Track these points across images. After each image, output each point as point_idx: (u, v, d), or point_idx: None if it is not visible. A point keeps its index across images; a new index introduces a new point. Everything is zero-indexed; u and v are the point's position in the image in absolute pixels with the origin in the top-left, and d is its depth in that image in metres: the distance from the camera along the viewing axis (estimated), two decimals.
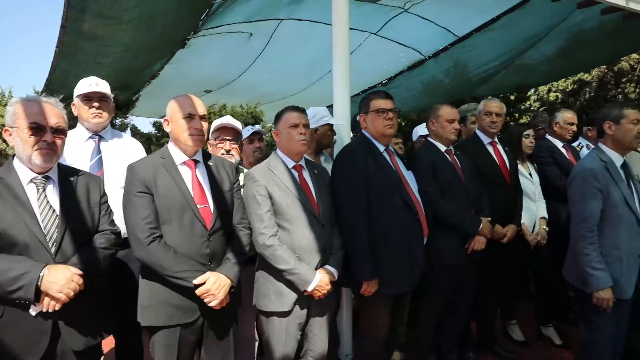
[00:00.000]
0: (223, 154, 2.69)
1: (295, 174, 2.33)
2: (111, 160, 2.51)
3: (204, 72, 6.06)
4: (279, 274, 2.20)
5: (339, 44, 2.86)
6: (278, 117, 2.35)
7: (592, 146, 3.71)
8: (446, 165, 2.81)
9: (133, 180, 1.97)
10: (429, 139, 2.97)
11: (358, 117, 2.61)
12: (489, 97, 3.45)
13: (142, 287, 2.00)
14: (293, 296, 2.22)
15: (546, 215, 3.46)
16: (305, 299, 2.25)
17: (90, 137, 2.55)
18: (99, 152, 2.52)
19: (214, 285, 1.92)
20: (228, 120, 2.80)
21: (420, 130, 4.05)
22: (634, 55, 13.65)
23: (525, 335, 3.63)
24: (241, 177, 2.55)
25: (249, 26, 4.96)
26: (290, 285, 2.21)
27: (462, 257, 2.78)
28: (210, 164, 2.15)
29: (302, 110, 2.35)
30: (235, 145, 2.73)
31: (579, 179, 2.45)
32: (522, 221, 3.27)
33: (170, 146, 2.09)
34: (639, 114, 2.45)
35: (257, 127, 3.16)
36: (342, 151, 2.56)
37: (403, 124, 8.84)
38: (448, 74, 6.78)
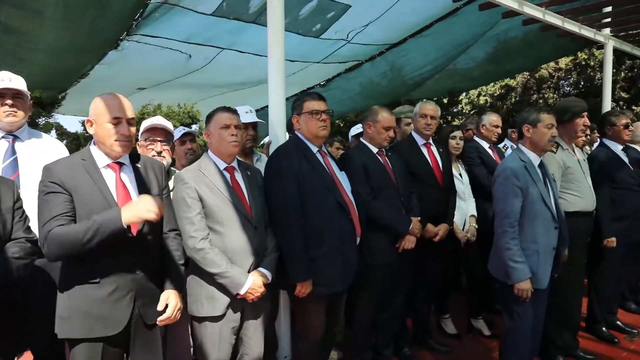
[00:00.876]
0: (154, 155, 2.58)
1: (227, 175, 2.28)
2: (27, 162, 2.34)
3: (139, 73, 5.83)
4: (210, 278, 2.15)
5: (275, 45, 2.83)
6: (209, 118, 2.30)
7: (515, 148, 3.95)
8: (378, 167, 2.87)
9: (47, 180, 1.79)
10: (361, 139, 3.02)
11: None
12: (425, 99, 3.57)
13: (61, 297, 1.84)
14: (225, 300, 2.18)
15: (475, 213, 3.63)
16: (238, 303, 2.21)
17: (3, 137, 2.36)
18: (14, 153, 2.34)
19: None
20: (158, 120, 2.69)
21: (355, 131, 4.12)
22: (552, 64, 14.73)
23: (457, 328, 3.79)
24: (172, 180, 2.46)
25: (188, 47, 4.89)
26: (223, 289, 2.16)
27: (394, 256, 2.85)
28: (139, 165, 2.03)
29: (234, 111, 2.30)
30: (167, 147, 2.63)
31: (502, 177, 2.59)
32: (453, 220, 3.40)
33: (93, 148, 1.93)
34: (553, 119, 2.62)
35: (194, 127, 3.07)
36: (275, 152, 2.54)
37: (342, 125, 8.98)
38: (385, 76, 6.96)
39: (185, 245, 2.13)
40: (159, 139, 2.62)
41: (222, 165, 2.28)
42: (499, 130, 3.91)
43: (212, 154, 2.30)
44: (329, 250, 2.41)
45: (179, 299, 1.98)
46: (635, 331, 3.79)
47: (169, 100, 7.39)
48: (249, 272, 2.21)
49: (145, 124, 2.69)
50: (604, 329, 3.70)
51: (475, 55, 7.15)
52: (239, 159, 2.44)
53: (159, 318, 1.90)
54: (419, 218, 2.94)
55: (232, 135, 2.23)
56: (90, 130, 1.93)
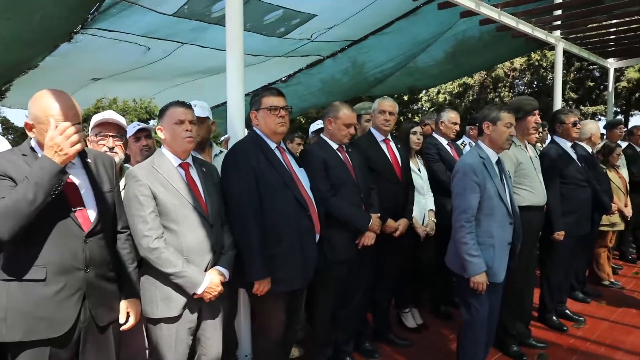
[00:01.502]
0: (105, 151, 2.47)
1: (182, 172, 2.21)
2: None
3: (93, 64, 5.60)
4: (165, 278, 2.08)
5: (234, 38, 2.77)
6: (162, 113, 2.21)
7: (474, 144, 4.05)
8: (338, 163, 2.87)
9: None
10: (322, 135, 3.02)
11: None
12: (385, 96, 3.60)
13: None
14: (182, 300, 2.12)
15: (434, 208, 3.69)
16: (195, 302, 2.16)
17: None
18: None
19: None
20: (110, 114, 2.57)
21: (315, 126, 4.11)
22: (507, 64, 15.26)
23: (417, 322, 3.85)
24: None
25: (147, 41, 4.73)
26: (179, 288, 2.10)
27: (354, 252, 2.87)
28: (89, 160, 1.93)
29: (188, 106, 2.23)
30: (119, 143, 2.51)
31: (461, 173, 2.64)
32: (412, 214, 3.45)
33: (34, 143, 1.80)
34: (512, 119, 2.69)
35: (152, 123, 2.96)
36: (233, 148, 2.49)
37: (303, 121, 8.96)
38: (346, 73, 7.00)
39: (139, 245, 2.05)
40: (110, 134, 2.50)
41: (177, 161, 2.21)
42: (457, 127, 3.99)
43: (166, 150, 2.22)
44: (287, 247, 2.38)
45: (138, 306, 1.95)
46: (582, 319, 3.98)
47: (125, 94, 7.14)
48: (205, 270, 2.15)
49: (95, 118, 2.57)
50: (554, 318, 3.86)
51: (435, 54, 7.31)
52: (195, 154, 2.37)
53: (123, 328, 1.85)
54: (379, 214, 2.96)
55: (187, 130, 2.16)
56: (30, 134, 1.80)
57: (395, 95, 9.06)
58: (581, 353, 3.38)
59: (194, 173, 2.26)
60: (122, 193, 2.15)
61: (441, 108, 10.43)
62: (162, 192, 2.09)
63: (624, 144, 5.89)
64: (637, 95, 16.18)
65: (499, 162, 2.76)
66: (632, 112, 16.71)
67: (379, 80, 7.78)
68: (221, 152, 2.92)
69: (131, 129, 2.78)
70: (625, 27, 6.59)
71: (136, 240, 2.05)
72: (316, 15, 4.60)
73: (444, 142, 3.94)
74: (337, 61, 6.49)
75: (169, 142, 2.20)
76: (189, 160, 2.27)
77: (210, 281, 2.12)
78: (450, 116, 3.95)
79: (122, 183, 2.29)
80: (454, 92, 16.08)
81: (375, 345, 3.43)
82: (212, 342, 2.27)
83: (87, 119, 3.45)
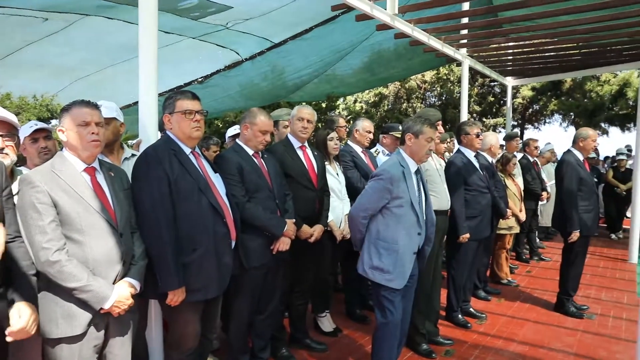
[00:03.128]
0: None
1: (87, 177, 2.04)
2: None
3: None
4: (67, 294, 1.91)
5: (147, 34, 2.63)
6: (64, 112, 2.02)
7: (387, 152, 4.23)
8: (253, 169, 2.84)
9: None
10: (237, 141, 2.98)
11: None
12: (303, 103, 3.63)
13: None
14: (87, 317, 1.95)
15: None
16: (102, 318, 2.00)
17: None
18: None
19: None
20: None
21: (232, 132, 4.06)
22: (420, 76, 16.16)
23: (333, 325, 3.91)
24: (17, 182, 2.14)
25: (44, 14, 4.27)
26: (83, 304, 1.93)
27: (269, 258, 2.85)
28: None
29: (95, 106, 2.06)
30: (11, 143, 2.24)
31: (378, 177, 2.72)
32: (330, 218, 3.51)
33: None
34: (434, 134, 2.81)
35: (54, 123, 2.70)
36: (145, 153, 2.35)
37: (220, 125, 8.77)
38: (265, 78, 6.96)
39: (36, 259, 1.86)
40: (0, 133, 2.26)
41: (81, 165, 2.03)
42: (371, 136, 4.13)
43: (69, 153, 2.04)
44: (202, 255, 2.31)
45: (33, 309, 1.74)
46: (484, 315, 4.30)
47: (21, 89, 6.45)
48: (114, 283, 2.01)
49: None
50: (459, 316, 4.13)
51: (353, 62, 7.53)
52: (101, 158, 2.22)
53: (10, 329, 1.64)
54: (294, 220, 2.98)
55: (92, 133, 2.00)
56: None
57: (314, 103, 9.19)
58: (482, 347, 3.65)
59: (100, 178, 2.10)
60: (15, 199, 1.94)
61: (358, 116, 10.76)
62: (63, 200, 1.92)
63: (519, 155, 6.49)
64: (530, 111, 17.94)
65: (418, 171, 2.88)
66: (526, 126, 18.47)
67: (297, 87, 7.84)
68: (132, 155, 2.75)
69: (27, 129, 2.53)
70: (520, 50, 7.29)
71: (34, 253, 1.86)
72: (232, 8, 4.49)
73: (358, 150, 4.06)
74: (256, 64, 6.42)
75: (71, 145, 2.02)
76: (95, 164, 2.10)
77: (119, 294, 1.99)
78: (365, 125, 4.08)
79: (14, 188, 2.07)
80: (370, 101, 16.70)
81: (293, 350, 3.43)
82: (120, 359, 2.13)
83: None
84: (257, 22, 5.09)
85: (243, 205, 2.70)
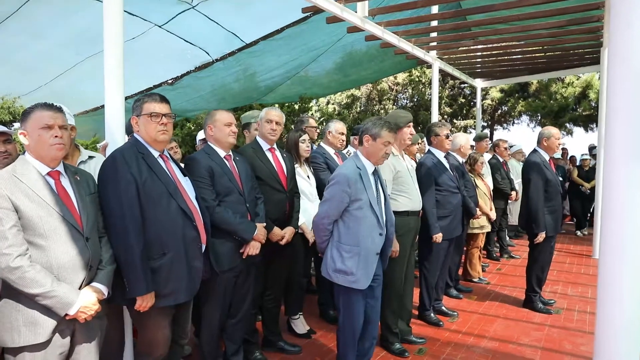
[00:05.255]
0: None
1: (52, 181, 1.99)
2: None
3: None
4: (30, 300, 1.86)
5: (112, 33, 2.58)
6: (26, 116, 1.97)
7: (353, 153, 4.26)
8: (225, 171, 2.82)
9: None
10: (209, 143, 2.95)
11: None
12: (273, 105, 3.62)
13: None
14: (51, 323, 1.90)
15: None
16: (67, 324, 1.96)
17: None
18: None
19: None
20: None
21: (202, 135, 4.02)
22: (392, 78, 16.35)
23: (306, 327, 3.91)
24: None
25: None
26: (47, 311, 1.88)
27: (239, 261, 2.83)
28: None
29: (58, 109, 2.01)
30: None
31: (335, 181, 2.74)
32: (302, 221, 3.51)
33: None
34: (391, 138, 2.81)
35: (16, 126, 2.61)
36: (112, 156, 2.29)
37: (192, 127, 8.65)
38: (237, 78, 6.91)
39: None
40: None
41: (45, 169, 1.98)
42: (344, 138, 4.15)
43: (31, 157, 1.99)
44: (172, 259, 2.28)
45: None
46: (456, 313, 4.37)
47: None
48: (80, 288, 1.97)
49: None
50: (432, 314, 4.19)
51: (325, 64, 7.55)
52: (66, 162, 2.16)
53: None
54: (265, 224, 2.97)
55: (56, 137, 1.96)
56: None
57: (287, 104, 9.17)
58: (455, 344, 3.71)
59: (65, 182, 2.05)
60: None
61: (330, 118, 10.82)
62: (25, 204, 1.86)
63: (489, 155, 6.64)
64: (499, 112, 18.37)
65: (375, 172, 2.89)
66: (495, 127, 18.91)
67: (270, 89, 7.81)
68: (90, 157, 2.67)
69: None
70: (488, 53, 7.47)
71: None
72: None
73: (331, 151, 4.07)
74: (227, 65, 6.36)
75: (34, 149, 1.97)
76: (60, 168, 2.05)
77: (85, 300, 1.94)
78: (337, 127, 4.09)
79: None
80: (342, 102, 16.80)
81: (266, 353, 3.41)
82: None
83: None
84: (225, 4, 4.93)
85: (213, 209, 2.67)
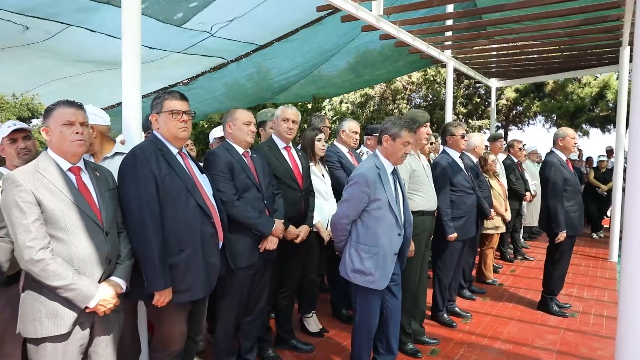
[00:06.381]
0: None
1: (72, 177, 2.04)
2: None
3: None
4: (52, 293, 1.90)
5: (129, 32, 2.60)
6: (48, 113, 2.01)
7: (372, 153, 4.25)
8: (243, 167, 2.84)
9: None
10: (227, 140, 2.97)
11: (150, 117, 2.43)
12: (288, 104, 3.64)
13: None
14: (72, 315, 1.94)
15: None
16: (87, 317, 2.00)
17: None
18: None
19: None
20: None
21: (216, 133, 4.04)
22: (406, 77, 16.28)
23: (319, 326, 3.92)
24: None
25: (24, 19, 4.15)
26: (68, 303, 1.93)
27: (256, 258, 2.85)
28: None
29: (79, 106, 2.06)
30: None
31: (354, 181, 2.75)
32: (317, 219, 3.52)
33: None
34: (411, 138, 2.81)
35: (35, 123, 2.66)
36: (131, 152, 2.33)
37: (206, 126, 8.72)
38: (251, 79, 6.94)
39: (20, 257, 1.85)
40: None
41: (66, 165, 2.03)
42: (357, 137, 4.15)
43: (53, 153, 2.03)
44: (189, 256, 2.30)
45: None
46: (469, 314, 4.35)
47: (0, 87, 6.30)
48: (99, 282, 2.01)
49: None
50: (445, 315, 4.17)
51: (338, 63, 7.54)
52: (87, 159, 2.20)
53: None
54: (283, 220, 2.98)
55: (77, 133, 2.00)
56: None
57: (300, 104, 9.19)
58: (468, 345, 3.69)
59: (86, 178, 2.10)
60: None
61: (344, 117, 10.81)
62: (48, 198, 1.91)
63: (503, 156, 6.58)
64: (514, 112, 18.19)
65: (394, 172, 2.90)
66: (510, 127, 18.73)
67: (283, 88, 7.83)
68: (117, 154, 2.72)
69: (5, 129, 2.50)
70: (504, 52, 7.40)
71: (18, 252, 1.85)
72: (215, 0, 4.44)
73: (344, 150, 4.08)
74: (242, 66, 6.39)
75: (55, 145, 2.01)
76: (81, 164, 2.10)
77: (104, 293, 1.98)
78: (351, 125, 4.10)
79: None
80: (356, 102, 16.77)
81: (279, 351, 3.43)
82: (104, 359, 2.11)
83: None
84: (242, 23, 5.04)
85: (232, 202, 2.69)
